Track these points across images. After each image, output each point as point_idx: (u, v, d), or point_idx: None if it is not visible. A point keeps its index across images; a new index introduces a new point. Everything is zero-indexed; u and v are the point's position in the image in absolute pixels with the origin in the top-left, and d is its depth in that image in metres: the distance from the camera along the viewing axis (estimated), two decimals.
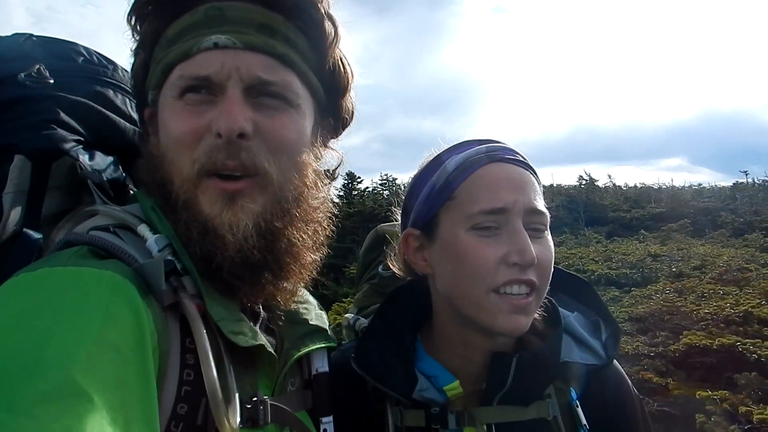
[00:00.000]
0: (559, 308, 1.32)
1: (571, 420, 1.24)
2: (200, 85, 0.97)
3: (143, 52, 1.07)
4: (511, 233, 1.16)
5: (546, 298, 1.28)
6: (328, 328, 1.23)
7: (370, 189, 21.49)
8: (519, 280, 1.14)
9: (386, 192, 21.95)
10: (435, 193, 1.26)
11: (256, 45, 0.98)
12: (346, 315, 1.61)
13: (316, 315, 1.22)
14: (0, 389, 0.60)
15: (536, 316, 1.27)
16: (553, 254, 1.22)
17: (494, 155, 1.23)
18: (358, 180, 19.74)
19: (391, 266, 1.46)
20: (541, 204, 1.20)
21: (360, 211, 16.15)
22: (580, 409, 1.24)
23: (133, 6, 1.04)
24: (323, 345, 1.19)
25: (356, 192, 19.69)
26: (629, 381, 1.36)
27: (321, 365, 1.19)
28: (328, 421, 1.16)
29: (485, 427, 1.22)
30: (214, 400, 0.85)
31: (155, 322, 0.83)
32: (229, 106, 0.95)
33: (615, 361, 1.34)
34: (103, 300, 0.77)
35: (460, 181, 1.22)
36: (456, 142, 1.31)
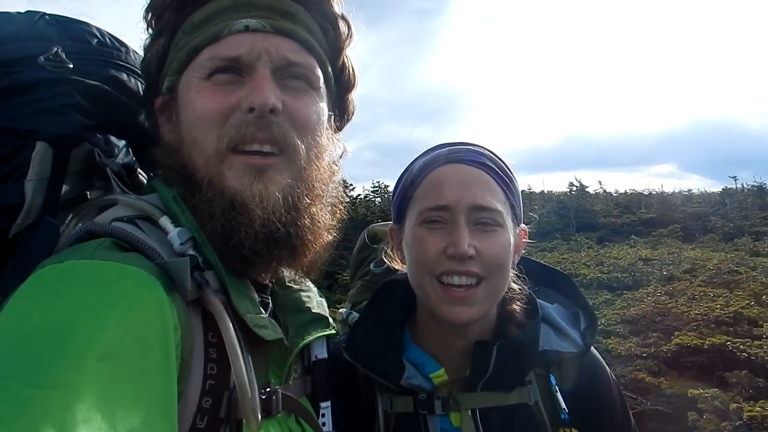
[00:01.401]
0: (539, 300, 1.40)
1: (551, 404, 1.31)
2: (230, 66, 0.99)
3: (162, 40, 1.08)
4: (452, 229, 1.24)
5: (527, 290, 1.38)
6: (328, 316, 1.25)
7: (362, 196, 21.52)
8: (458, 271, 1.22)
9: (378, 199, 21.97)
10: (402, 191, 1.39)
11: (283, 29, 1.02)
12: (340, 310, 1.68)
13: (317, 303, 1.24)
14: (24, 368, 0.62)
15: (515, 307, 1.37)
16: (507, 247, 1.28)
17: (452, 157, 1.32)
18: (351, 188, 19.78)
19: (387, 261, 1.54)
20: (490, 200, 1.26)
21: (352, 219, 16.07)
22: (559, 395, 1.30)
23: None
24: (325, 333, 1.20)
25: (348, 200, 19.68)
26: (607, 368, 1.43)
27: (320, 352, 1.21)
28: (326, 406, 1.19)
29: (470, 411, 1.29)
30: (244, 396, 0.85)
31: (179, 318, 0.83)
32: (261, 83, 0.97)
33: (593, 349, 1.41)
34: (128, 293, 0.77)
35: (419, 182, 1.34)
36: (429, 147, 1.42)
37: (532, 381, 1.32)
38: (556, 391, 1.31)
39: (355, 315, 1.55)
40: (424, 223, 1.28)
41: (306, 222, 1.03)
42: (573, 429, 1.29)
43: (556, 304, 1.45)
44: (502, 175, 1.32)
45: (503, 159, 1.36)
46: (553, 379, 1.32)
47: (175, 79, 1.06)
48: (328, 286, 11.74)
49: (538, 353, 1.30)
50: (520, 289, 1.40)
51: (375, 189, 22.77)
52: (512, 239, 1.29)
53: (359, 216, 16.70)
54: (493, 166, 1.32)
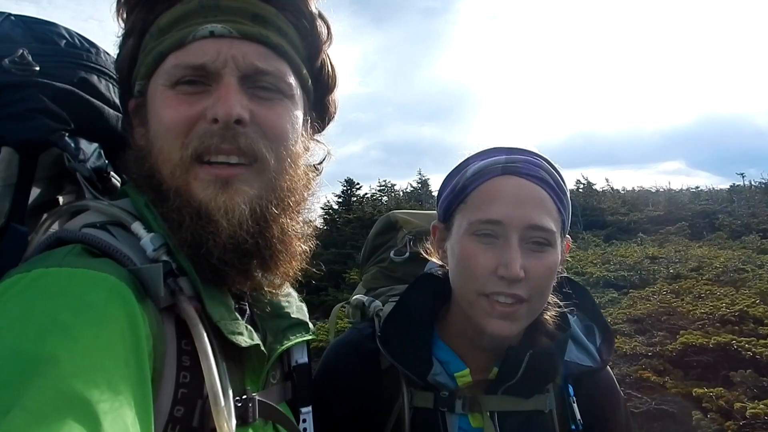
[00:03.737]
0: (566, 310, 1.41)
1: (563, 414, 1.34)
2: (195, 74, 0.96)
3: (131, 41, 1.04)
4: (503, 246, 1.23)
5: (558, 302, 1.39)
6: (308, 321, 1.23)
7: (369, 195, 21.56)
8: (505, 293, 1.23)
9: (385, 198, 22.01)
10: (454, 194, 1.37)
11: (251, 34, 0.98)
12: (357, 296, 1.67)
13: (297, 308, 1.22)
14: None
15: (547, 317, 1.38)
16: (555, 269, 1.28)
17: (509, 168, 1.29)
18: (357, 186, 19.81)
19: (425, 255, 1.52)
20: (545, 219, 1.25)
21: (359, 217, 16.16)
22: (576, 405, 1.34)
23: None
24: (305, 338, 1.19)
25: (355, 198, 19.73)
26: (617, 385, 1.47)
27: (300, 357, 1.19)
28: (307, 411, 1.18)
29: (488, 413, 1.31)
30: (216, 406, 0.84)
31: (151, 326, 0.82)
32: (227, 93, 0.94)
33: (608, 367, 1.45)
34: (99, 303, 0.75)
35: (473, 188, 1.32)
36: (486, 148, 1.40)
37: (549, 389, 1.34)
38: (573, 402, 1.34)
39: (378, 304, 1.55)
40: (475, 234, 1.27)
41: (275, 232, 1.01)
42: None
43: (575, 317, 1.46)
44: (557, 190, 1.31)
45: (558, 168, 1.35)
46: (571, 390, 1.35)
47: (145, 83, 1.03)
48: (335, 285, 11.77)
49: (563, 363, 1.33)
50: (554, 300, 1.39)
51: (382, 188, 22.81)
52: (559, 257, 1.29)
53: (366, 215, 16.73)
54: (549, 179, 1.30)
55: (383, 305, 1.53)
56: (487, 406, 1.32)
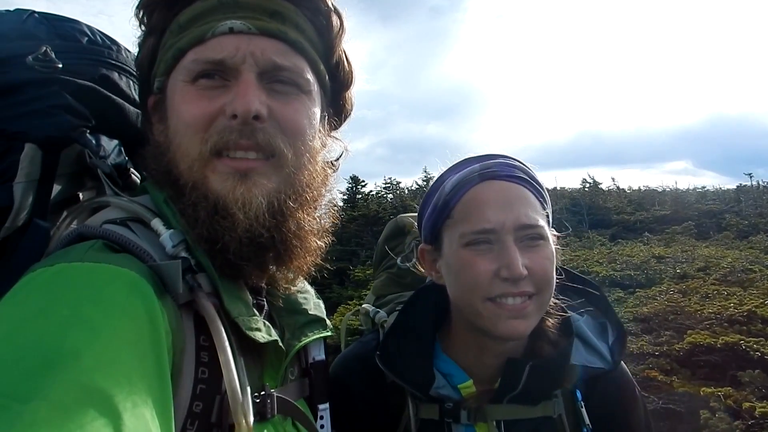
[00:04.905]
0: (571, 313, 1.40)
1: (575, 418, 1.33)
2: (214, 69, 0.98)
3: (152, 40, 1.06)
4: (501, 249, 1.24)
5: (561, 306, 1.39)
6: (325, 317, 1.24)
7: (374, 193, 21.54)
8: (513, 293, 1.23)
9: (390, 195, 21.99)
10: (436, 212, 1.37)
11: (269, 30, 0.99)
12: (365, 305, 1.69)
13: (314, 304, 1.23)
14: (16, 380, 0.60)
15: (549, 324, 1.37)
16: (553, 259, 1.29)
17: (486, 173, 1.31)
18: (363, 184, 19.81)
19: (417, 272, 1.53)
20: (533, 217, 1.27)
21: (364, 215, 16.17)
22: (584, 410, 1.33)
23: None
24: (322, 335, 1.20)
25: (360, 196, 19.74)
26: (634, 382, 1.45)
27: (318, 353, 1.20)
28: (324, 408, 1.18)
29: (494, 423, 1.31)
30: (234, 402, 0.84)
31: (170, 321, 0.82)
32: (245, 89, 0.95)
33: (623, 364, 1.43)
34: (120, 297, 0.76)
35: (455, 202, 1.32)
36: (457, 161, 1.41)
37: (557, 395, 1.34)
38: (582, 407, 1.33)
39: (383, 315, 1.56)
40: (469, 245, 1.27)
41: (291, 227, 1.02)
42: None
43: (586, 316, 1.45)
44: (536, 185, 1.33)
45: (532, 167, 1.36)
46: (579, 395, 1.34)
47: (164, 80, 1.05)
48: (339, 282, 11.80)
49: (569, 369, 1.32)
50: (555, 303, 1.38)
51: (387, 185, 22.79)
52: (554, 248, 1.30)
53: (371, 212, 16.72)
54: (526, 177, 1.32)
55: (388, 315, 1.54)
56: (492, 415, 1.32)
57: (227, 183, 0.96)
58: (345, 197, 19.08)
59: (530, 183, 1.32)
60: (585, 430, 1.31)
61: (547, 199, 1.38)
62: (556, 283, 1.39)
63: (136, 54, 1.12)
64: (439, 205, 1.36)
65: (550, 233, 1.34)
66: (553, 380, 1.32)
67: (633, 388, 1.44)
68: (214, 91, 0.98)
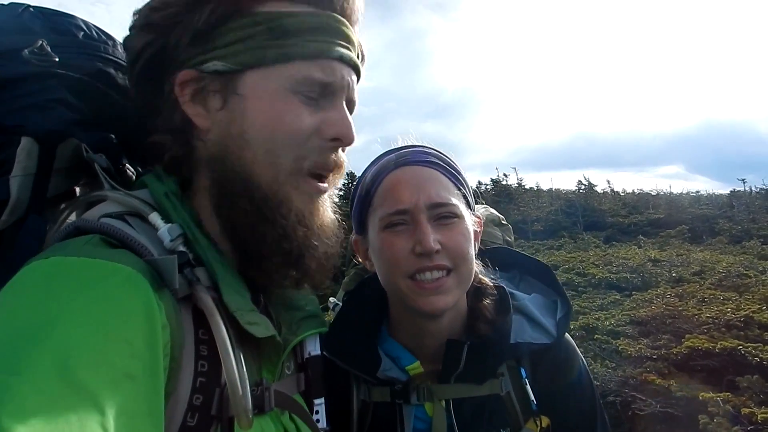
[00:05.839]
0: (514, 291, 1.48)
1: (523, 395, 1.38)
2: (318, 90, 1.01)
3: (207, 15, 0.96)
4: (414, 228, 1.31)
5: (499, 286, 1.46)
6: (321, 313, 1.26)
7: None
8: (428, 267, 1.29)
9: None
10: (360, 202, 1.46)
11: (355, 64, 1.07)
12: (331, 299, 1.74)
13: (309, 300, 1.25)
14: (3, 366, 0.61)
15: (487, 303, 1.44)
16: (468, 236, 1.35)
17: (401, 161, 1.39)
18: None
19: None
20: (445, 196, 1.34)
21: None
22: (528, 387, 1.38)
23: None
24: (318, 330, 1.21)
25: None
26: (579, 356, 1.48)
27: (313, 348, 1.21)
28: (320, 403, 1.19)
29: (443, 402, 1.37)
30: (235, 393, 0.85)
31: (168, 316, 0.82)
32: (343, 113, 1.04)
33: (568, 337, 1.48)
34: (115, 292, 0.76)
35: (374, 190, 1.40)
36: (377, 156, 1.50)
37: (504, 373, 1.39)
38: (526, 384, 1.37)
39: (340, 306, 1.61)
40: (387, 227, 1.34)
41: (330, 249, 1.10)
42: (543, 417, 1.36)
43: (535, 294, 1.51)
44: (450, 170, 1.39)
45: (448, 154, 1.44)
46: (523, 372, 1.39)
47: (237, 69, 0.98)
48: (333, 278, 11.79)
49: (509, 347, 1.35)
50: (491, 283, 1.48)
51: None
52: (471, 227, 1.37)
53: None
54: (440, 162, 1.40)
55: None
56: (440, 394, 1.37)
57: (307, 202, 1.03)
58: (341, 193, 19.04)
59: (444, 167, 1.39)
60: (533, 406, 1.35)
61: (465, 181, 1.44)
62: (498, 261, 1.53)
63: (158, 15, 1.00)
64: (362, 195, 1.44)
65: (470, 214, 1.40)
66: (493, 358, 1.36)
67: (576, 361, 1.45)
68: (310, 105, 1.01)
